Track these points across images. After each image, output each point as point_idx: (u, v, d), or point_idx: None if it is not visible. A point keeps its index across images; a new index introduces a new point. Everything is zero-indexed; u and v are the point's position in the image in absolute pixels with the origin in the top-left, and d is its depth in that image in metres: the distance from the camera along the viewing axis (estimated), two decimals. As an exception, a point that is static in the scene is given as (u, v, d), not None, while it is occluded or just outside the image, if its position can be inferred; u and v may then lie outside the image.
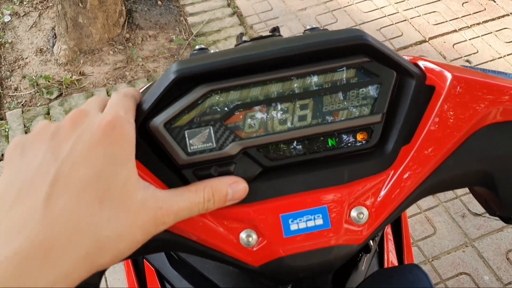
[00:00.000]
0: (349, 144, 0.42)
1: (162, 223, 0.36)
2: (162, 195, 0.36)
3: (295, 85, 0.41)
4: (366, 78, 0.41)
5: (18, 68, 2.49)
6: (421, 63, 0.44)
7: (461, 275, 1.70)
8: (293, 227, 0.39)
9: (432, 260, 1.73)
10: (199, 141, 0.40)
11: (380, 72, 0.42)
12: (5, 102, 2.34)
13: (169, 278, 0.69)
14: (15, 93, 2.37)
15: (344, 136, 0.42)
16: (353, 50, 0.41)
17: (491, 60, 2.42)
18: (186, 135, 0.40)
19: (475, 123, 0.41)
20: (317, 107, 0.41)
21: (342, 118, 0.41)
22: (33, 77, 2.41)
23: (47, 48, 2.58)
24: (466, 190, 1.91)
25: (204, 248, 0.40)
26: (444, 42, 2.54)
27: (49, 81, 2.38)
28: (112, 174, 0.33)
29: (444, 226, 1.82)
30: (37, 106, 2.30)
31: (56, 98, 2.33)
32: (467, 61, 2.41)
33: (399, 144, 0.41)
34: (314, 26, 0.48)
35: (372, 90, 0.42)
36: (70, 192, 0.32)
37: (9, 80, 2.44)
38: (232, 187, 0.39)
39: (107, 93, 2.34)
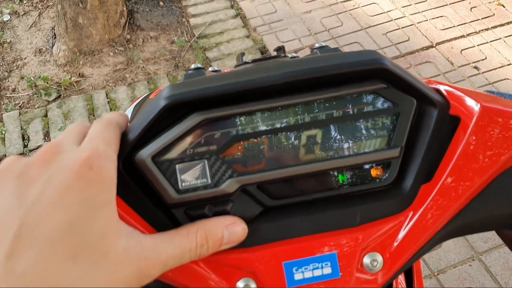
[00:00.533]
0: (363, 181, 0.38)
1: (147, 275, 0.31)
2: (148, 242, 0.32)
3: (302, 114, 0.37)
4: (382, 107, 0.37)
5: (17, 68, 2.45)
6: (443, 88, 0.40)
7: (468, 290, 1.65)
8: (298, 276, 0.35)
9: (437, 274, 1.68)
10: (191, 177, 0.35)
11: (399, 100, 0.37)
12: (2, 103, 2.30)
13: None
14: (12, 94, 2.33)
15: (357, 172, 0.37)
16: (369, 75, 0.37)
17: (500, 67, 2.37)
18: (177, 170, 0.35)
19: (507, 160, 0.36)
20: (326, 139, 0.37)
21: (355, 152, 0.37)
22: (32, 78, 2.36)
23: (46, 48, 2.54)
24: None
25: None
26: (452, 47, 2.49)
27: (47, 83, 2.34)
28: (87, 222, 0.29)
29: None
30: (35, 108, 2.25)
31: (54, 100, 2.29)
32: (475, 67, 2.36)
33: (418, 182, 0.37)
34: (323, 44, 0.43)
35: (389, 120, 0.37)
36: (37, 246, 0.27)
37: (7, 80, 2.39)
38: (229, 229, 0.34)
39: (107, 95, 2.30)
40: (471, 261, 1.72)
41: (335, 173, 0.37)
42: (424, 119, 0.38)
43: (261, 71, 0.36)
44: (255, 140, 0.36)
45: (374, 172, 0.38)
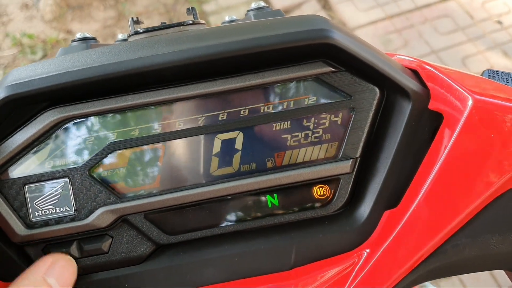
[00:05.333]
0: (301, 206, 0.28)
1: None
2: None
3: (214, 109, 0.26)
4: (330, 100, 0.27)
5: (2, 25, 2.31)
6: (424, 72, 0.28)
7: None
8: None
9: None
10: (48, 204, 0.26)
11: (354, 90, 0.27)
12: (-14, 63, 2.18)
13: None
14: (-3, 53, 2.20)
15: (293, 193, 0.27)
16: (312, 53, 0.25)
17: (525, 21, 2.15)
18: (27, 194, 0.26)
19: (505, 181, 0.26)
20: (249, 146, 0.27)
21: (289, 165, 0.27)
22: (17, 35, 2.22)
23: (33, 3, 2.38)
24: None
25: None
26: (472, 0, 2.26)
27: (33, 40, 2.20)
28: None
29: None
30: (20, 68, 2.12)
31: (40, 59, 2.15)
32: (498, 21, 2.14)
33: (379, 208, 0.27)
34: (263, 4, 0.29)
35: (340, 119, 0.27)
36: None
37: (-9, 38, 2.26)
38: (52, 274, 0.24)
39: (96, 54, 2.16)
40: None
41: (262, 194, 0.27)
42: (391, 116, 0.27)
43: (149, 47, 0.25)
44: (141, 148, 0.26)
45: (317, 192, 0.28)
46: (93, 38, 0.31)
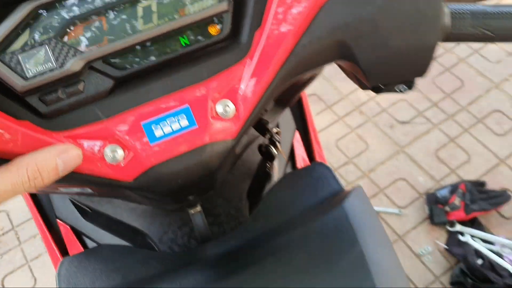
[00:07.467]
0: (203, 40, 0.40)
1: None
2: None
3: None
4: None
5: None
6: None
7: (398, 181, 1.78)
8: (158, 133, 0.38)
9: (369, 174, 1.80)
10: (36, 63, 0.37)
11: None
12: None
13: (86, 231, 0.68)
14: None
15: (196, 32, 0.40)
16: None
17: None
18: (21, 60, 0.36)
19: None
20: (161, 7, 0.39)
21: (188, 13, 0.39)
22: None
23: None
24: (391, 101, 1.98)
25: (70, 173, 0.38)
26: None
27: None
28: None
29: (376, 139, 1.89)
30: None
31: None
32: None
33: (253, 29, 0.39)
34: None
35: None
36: None
37: None
38: (62, 158, 0.36)
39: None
40: (397, 155, 1.84)
41: (176, 36, 0.39)
42: None
43: None
44: (91, 19, 0.37)
45: (212, 30, 0.40)
46: None
